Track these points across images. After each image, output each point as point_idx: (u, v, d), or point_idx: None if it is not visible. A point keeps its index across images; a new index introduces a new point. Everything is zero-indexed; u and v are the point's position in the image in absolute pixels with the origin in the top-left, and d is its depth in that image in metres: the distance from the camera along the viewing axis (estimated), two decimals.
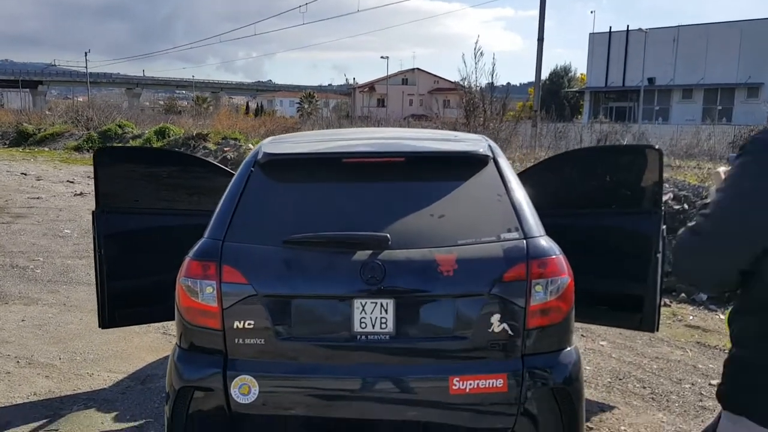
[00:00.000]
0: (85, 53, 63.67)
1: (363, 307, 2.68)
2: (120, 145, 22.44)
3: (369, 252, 2.69)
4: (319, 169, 3.04)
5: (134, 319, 4.49)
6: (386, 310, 2.68)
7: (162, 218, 4.33)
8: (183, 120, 27.77)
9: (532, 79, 23.50)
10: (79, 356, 5.12)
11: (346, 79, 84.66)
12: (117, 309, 4.23)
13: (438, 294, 2.70)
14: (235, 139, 21.07)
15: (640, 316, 3.94)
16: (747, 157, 1.49)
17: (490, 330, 2.66)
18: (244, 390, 2.70)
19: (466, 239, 2.73)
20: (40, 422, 3.99)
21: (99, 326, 4.23)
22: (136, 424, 3.98)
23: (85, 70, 66.98)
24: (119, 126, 25.93)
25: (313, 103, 61.99)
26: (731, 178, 1.53)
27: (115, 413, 4.12)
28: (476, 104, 13.46)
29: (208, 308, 2.74)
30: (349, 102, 79.18)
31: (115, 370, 4.85)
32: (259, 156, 3.05)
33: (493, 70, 14.71)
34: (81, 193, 13.85)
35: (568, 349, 2.79)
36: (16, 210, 11.78)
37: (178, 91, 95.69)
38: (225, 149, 20.03)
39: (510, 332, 2.67)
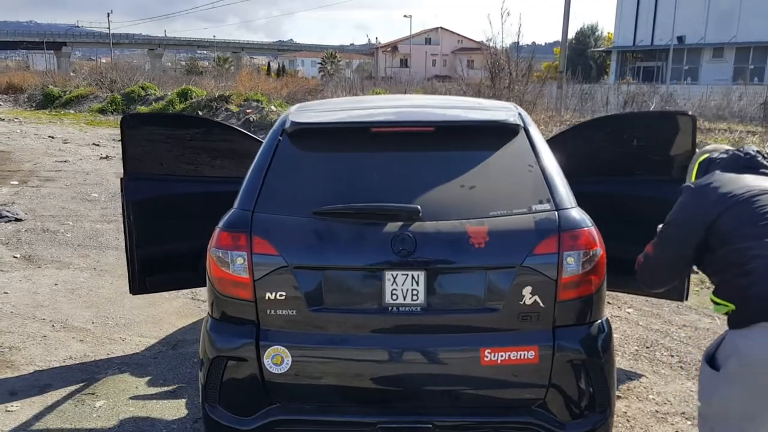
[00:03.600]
0: (108, 14, 63.66)
1: (394, 278, 2.68)
2: (147, 111, 22.56)
3: (400, 224, 2.68)
4: (347, 139, 3.01)
5: (164, 285, 4.55)
6: (417, 282, 2.68)
7: (190, 185, 4.34)
8: (205, 81, 27.74)
9: (559, 38, 23.03)
10: (112, 321, 5.23)
11: (369, 39, 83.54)
12: (147, 275, 4.29)
13: (469, 266, 2.68)
14: (258, 100, 21.04)
15: None
16: (685, 194, 2.51)
17: (521, 302, 2.65)
18: (277, 360, 2.73)
19: (497, 211, 2.71)
20: (78, 386, 4.10)
21: (130, 292, 4.31)
22: (169, 388, 4.07)
23: (107, 31, 67.01)
24: (142, 88, 26.01)
25: (335, 64, 61.41)
26: (676, 206, 2.50)
27: (148, 378, 4.22)
28: (502, 66, 13.19)
29: (239, 279, 2.76)
30: (371, 62, 78.37)
31: (146, 335, 4.95)
32: (287, 125, 3.03)
33: (519, 30, 14.34)
34: (107, 157, 14.00)
35: (600, 321, 2.78)
36: (45, 173, 11.95)
37: (199, 52, 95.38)
38: (247, 111, 20.03)
39: (541, 304, 2.66)
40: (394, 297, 2.69)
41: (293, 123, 3.02)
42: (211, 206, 4.43)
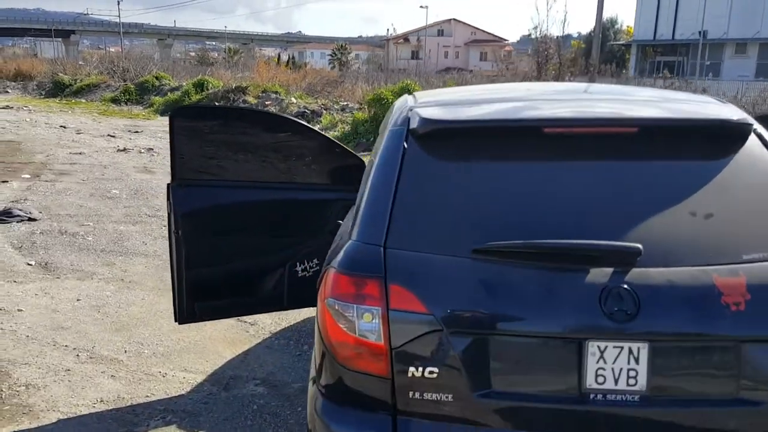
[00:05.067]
0: (118, 2, 62.64)
1: (601, 353, 1.83)
2: (162, 101, 21.79)
3: (610, 270, 1.83)
4: (507, 143, 2.15)
5: (217, 312, 3.79)
6: (637, 359, 1.82)
7: (252, 192, 3.57)
8: (220, 72, 26.80)
9: (573, 30, 22.13)
10: (147, 348, 4.40)
11: (389, 30, 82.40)
12: (197, 301, 3.57)
13: (718, 336, 1.83)
14: (276, 92, 20.24)
15: None
16: None
17: None
18: None
19: (755, 253, 1.85)
20: None
21: (175, 321, 3.57)
22: None
23: (116, 20, 66.17)
24: (156, 78, 25.17)
25: (345, 55, 60.44)
26: None
27: None
28: (550, 55, 12.31)
29: (369, 344, 1.91)
30: (381, 54, 77.30)
31: (190, 369, 4.11)
32: (413, 123, 2.17)
33: (564, 18, 13.49)
34: (124, 149, 13.14)
35: None
36: (59, 167, 11.11)
37: (208, 43, 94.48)
38: (266, 103, 19.21)
39: None
40: (600, 380, 1.84)
41: (425, 120, 2.15)
42: (277, 218, 3.65)
